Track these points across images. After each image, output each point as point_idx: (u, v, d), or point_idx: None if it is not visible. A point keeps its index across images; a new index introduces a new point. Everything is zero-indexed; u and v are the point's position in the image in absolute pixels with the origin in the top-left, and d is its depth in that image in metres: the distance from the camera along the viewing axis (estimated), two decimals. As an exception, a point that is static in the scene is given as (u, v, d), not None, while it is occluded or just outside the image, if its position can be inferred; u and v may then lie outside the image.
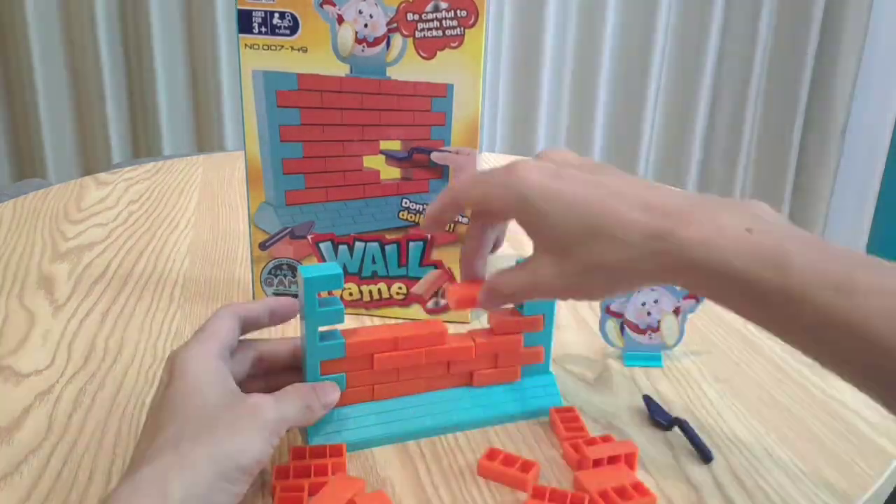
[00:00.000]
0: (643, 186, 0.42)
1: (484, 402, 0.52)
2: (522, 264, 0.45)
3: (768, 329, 0.38)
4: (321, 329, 0.47)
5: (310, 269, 0.47)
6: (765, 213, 0.40)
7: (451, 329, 0.52)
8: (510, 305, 0.52)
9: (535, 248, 0.44)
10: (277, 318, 0.50)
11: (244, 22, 0.57)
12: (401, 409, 0.51)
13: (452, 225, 0.63)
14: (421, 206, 0.62)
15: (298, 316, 0.49)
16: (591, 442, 0.48)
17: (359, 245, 0.63)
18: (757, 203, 0.41)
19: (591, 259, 0.41)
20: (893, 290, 0.34)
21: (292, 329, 0.56)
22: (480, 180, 0.45)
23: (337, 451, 0.47)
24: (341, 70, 0.58)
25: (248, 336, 0.49)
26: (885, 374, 0.34)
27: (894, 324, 0.33)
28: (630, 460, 0.47)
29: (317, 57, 0.58)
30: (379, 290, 0.64)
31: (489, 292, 0.46)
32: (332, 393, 0.48)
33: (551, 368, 0.55)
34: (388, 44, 0.58)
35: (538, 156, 0.46)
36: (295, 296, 0.65)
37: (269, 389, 0.47)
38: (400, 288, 0.64)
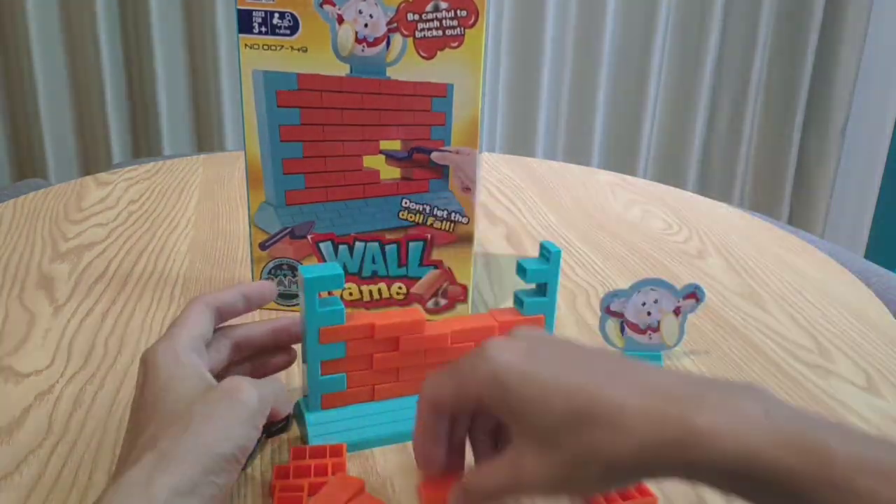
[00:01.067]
0: (631, 366, 0.37)
1: None
2: (501, 457, 0.38)
3: None
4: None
5: (310, 269, 0.47)
6: (771, 396, 0.35)
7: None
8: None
9: (517, 439, 0.38)
10: (253, 303, 0.49)
11: (244, 22, 0.57)
12: (401, 410, 0.51)
13: (452, 225, 0.63)
14: (421, 206, 0.62)
15: (299, 315, 0.49)
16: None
17: (359, 245, 0.63)
18: (759, 386, 0.36)
19: (583, 449, 0.35)
20: None
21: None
22: (448, 373, 0.40)
23: (337, 452, 0.47)
24: (341, 70, 0.58)
25: (226, 324, 0.49)
26: None
27: None
28: None
29: (317, 57, 0.58)
30: (379, 290, 0.64)
31: (465, 496, 0.39)
32: None
33: None
34: (388, 44, 0.58)
35: (510, 334, 0.41)
36: (295, 295, 0.65)
37: (256, 374, 0.46)
38: (400, 288, 0.64)
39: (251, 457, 0.47)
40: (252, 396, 0.41)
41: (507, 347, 0.39)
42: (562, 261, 0.53)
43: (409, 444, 0.50)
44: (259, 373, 0.50)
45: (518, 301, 0.52)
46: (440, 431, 0.41)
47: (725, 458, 0.32)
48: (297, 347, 0.50)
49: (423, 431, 0.41)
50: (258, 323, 0.50)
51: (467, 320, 0.52)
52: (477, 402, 0.39)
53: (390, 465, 0.48)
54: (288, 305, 0.66)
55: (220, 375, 0.45)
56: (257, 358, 0.50)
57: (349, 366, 0.49)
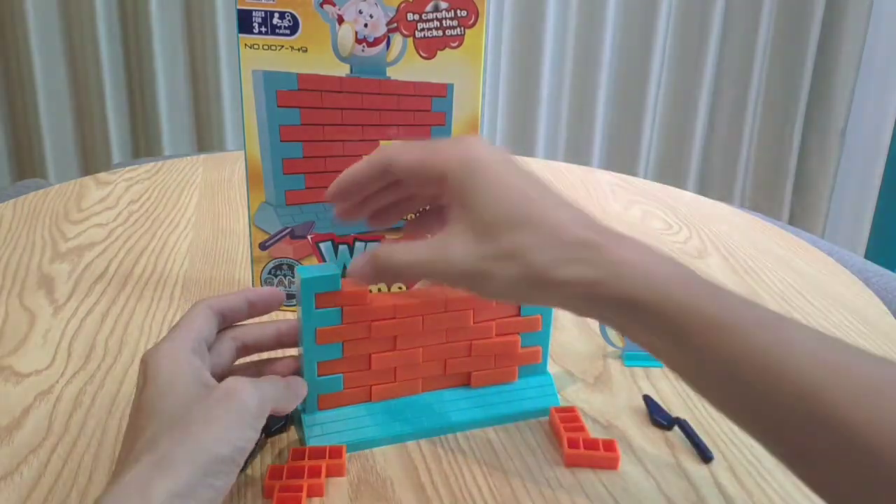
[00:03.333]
0: (577, 206, 0.41)
1: (482, 403, 0.52)
2: (428, 239, 0.42)
3: (679, 365, 0.38)
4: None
5: (308, 269, 0.47)
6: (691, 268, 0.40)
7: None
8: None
9: (454, 224, 0.41)
10: (258, 309, 0.49)
11: (244, 22, 0.57)
12: (399, 410, 0.51)
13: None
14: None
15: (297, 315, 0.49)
16: (592, 445, 0.48)
17: (359, 245, 0.63)
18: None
19: (513, 246, 0.39)
20: (821, 341, 0.34)
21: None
22: (420, 144, 0.43)
23: (337, 453, 0.47)
24: (341, 70, 0.58)
25: (231, 325, 0.49)
26: (798, 414, 0.33)
27: (823, 371, 0.33)
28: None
29: (317, 57, 0.58)
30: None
31: (374, 262, 0.43)
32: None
33: (549, 369, 0.55)
34: (388, 44, 0.58)
35: (482, 138, 0.44)
36: (293, 296, 0.65)
37: (260, 376, 0.46)
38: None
39: (250, 458, 0.47)
40: (251, 397, 0.41)
41: (487, 145, 0.42)
42: None
43: (409, 444, 0.50)
44: (264, 375, 0.50)
45: None
46: (372, 183, 0.44)
47: (622, 287, 0.37)
48: None
49: (359, 171, 0.44)
50: (264, 324, 0.50)
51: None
52: (437, 175, 0.42)
53: (390, 465, 0.48)
54: (288, 305, 0.66)
55: (223, 378, 0.45)
56: (263, 361, 0.50)
57: (346, 366, 0.49)
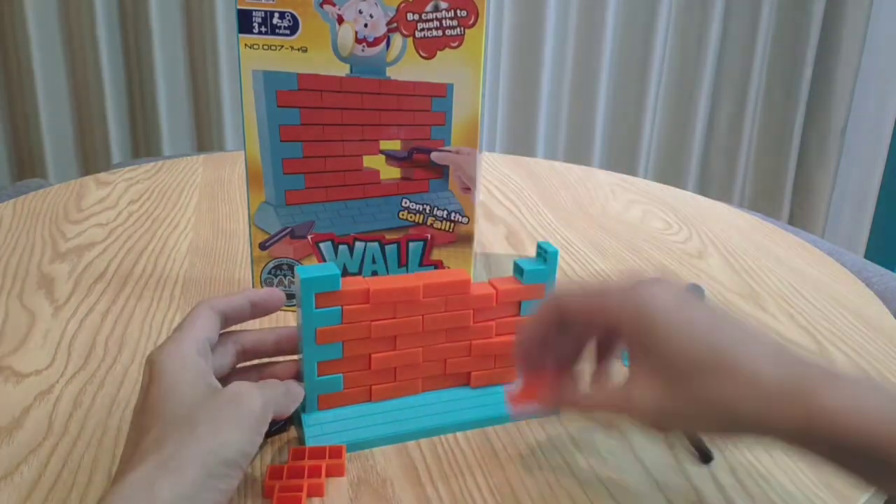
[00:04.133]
0: (765, 334, 0.39)
1: (482, 403, 0.52)
2: (619, 385, 0.41)
3: (888, 491, 0.37)
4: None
5: (307, 269, 0.47)
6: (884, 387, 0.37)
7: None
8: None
9: (639, 369, 0.40)
10: (259, 310, 0.49)
11: (244, 22, 0.57)
12: (399, 410, 0.51)
13: (452, 225, 0.63)
14: (421, 206, 0.62)
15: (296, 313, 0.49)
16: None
17: (359, 245, 0.63)
18: (876, 380, 0.39)
19: (709, 393, 0.37)
20: None
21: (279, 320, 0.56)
22: (595, 291, 0.42)
23: (336, 453, 0.47)
24: (341, 70, 0.58)
25: (232, 328, 0.49)
26: None
27: None
28: None
29: (317, 57, 0.58)
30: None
31: (575, 405, 0.43)
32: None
33: None
34: (388, 44, 0.58)
35: (654, 280, 0.41)
36: (293, 296, 0.65)
37: (261, 380, 0.47)
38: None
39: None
40: (256, 402, 0.41)
41: (660, 289, 0.40)
42: (562, 260, 0.53)
43: (409, 444, 0.50)
44: (264, 379, 0.51)
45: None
46: (550, 334, 0.43)
47: (847, 435, 0.34)
48: None
49: (535, 326, 0.43)
50: (265, 330, 0.50)
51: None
52: (612, 326, 0.41)
53: (390, 465, 0.48)
54: (288, 305, 0.66)
55: (224, 380, 0.45)
56: (264, 366, 0.50)
57: (346, 366, 0.49)
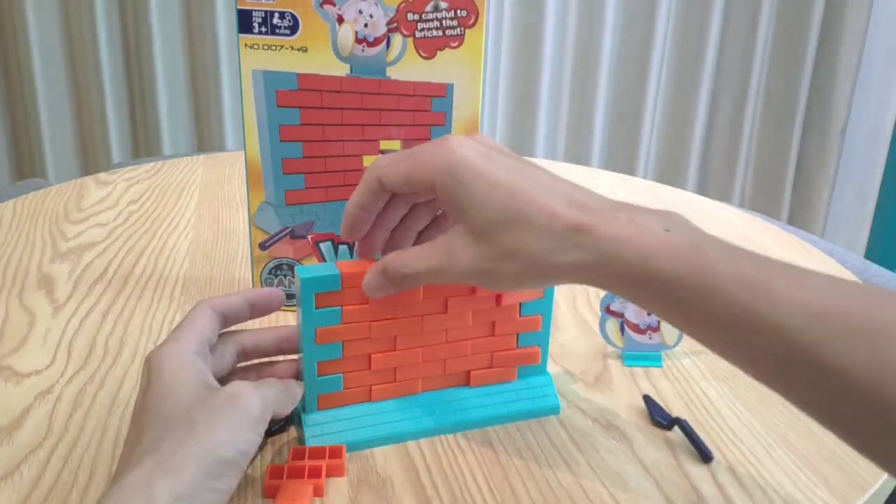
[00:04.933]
0: (569, 184, 0.42)
1: (482, 403, 0.52)
2: (432, 243, 0.43)
3: (684, 328, 0.39)
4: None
5: (307, 269, 0.47)
6: (682, 219, 0.41)
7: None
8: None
9: (453, 227, 0.43)
10: (258, 310, 0.49)
11: (244, 22, 0.57)
12: (399, 410, 0.51)
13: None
14: (421, 206, 0.62)
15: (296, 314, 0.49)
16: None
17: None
18: (675, 212, 0.41)
19: (511, 244, 0.40)
20: (805, 286, 0.35)
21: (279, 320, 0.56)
22: (405, 155, 0.43)
23: (337, 453, 0.47)
24: (341, 70, 0.58)
25: (232, 328, 0.49)
26: (795, 366, 0.34)
27: (807, 318, 0.34)
28: None
29: (317, 57, 0.58)
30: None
31: (385, 274, 0.44)
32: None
33: (549, 369, 0.55)
34: (388, 44, 0.58)
35: (464, 136, 0.44)
36: (293, 296, 0.65)
37: (260, 380, 0.47)
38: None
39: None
40: (255, 401, 0.41)
41: (468, 145, 0.42)
42: None
43: (409, 444, 0.50)
44: (263, 379, 0.51)
45: None
46: (376, 205, 0.45)
47: (616, 262, 0.38)
48: None
49: (359, 199, 0.45)
50: (264, 330, 0.50)
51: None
52: (427, 187, 0.42)
53: (390, 465, 0.48)
54: (288, 305, 0.66)
55: (223, 380, 0.45)
56: (263, 366, 0.50)
57: (346, 366, 0.49)
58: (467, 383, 0.53)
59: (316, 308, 0.47)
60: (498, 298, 0.51)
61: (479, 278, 0.42)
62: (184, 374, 0.42)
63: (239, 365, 0.50)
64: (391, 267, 0.44)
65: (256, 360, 0.51)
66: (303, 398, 0.49)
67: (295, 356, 0.51)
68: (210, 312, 0.47)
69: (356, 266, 0.47)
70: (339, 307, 0.47)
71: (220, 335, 0.48)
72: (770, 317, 0.34)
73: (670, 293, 0.37)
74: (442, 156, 0.42)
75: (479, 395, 0.53)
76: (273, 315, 0.65)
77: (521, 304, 0.52)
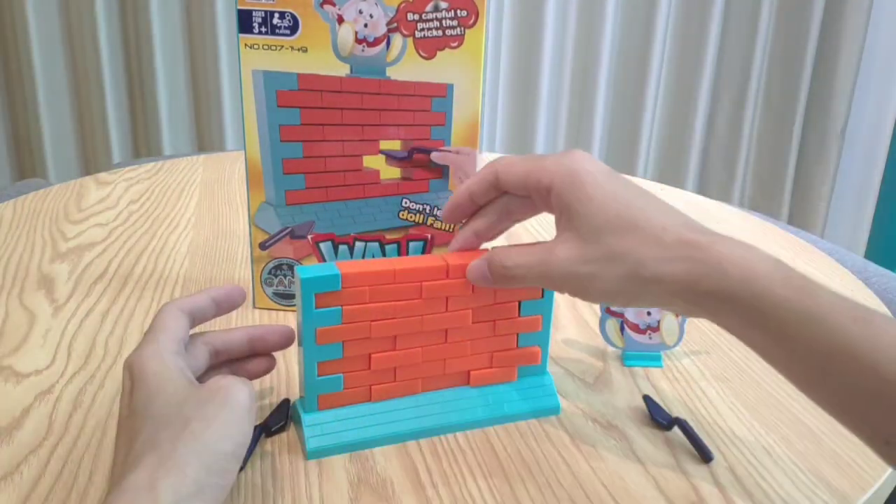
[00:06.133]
0: (677, 210, 0.44)
1: (482, 403, 0.52)
2: (538, 243, 0.45)
3: (774, 354, 0.40)
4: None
5: (307, 269, 0.47)
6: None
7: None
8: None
9: (560, 232, 0.44)
10: (224, 307, 0.50)
11: (244, 22, 0.57)
12: (399, 410, 0.51)
13: (452, 225, 0.62)
14: (421, 206, 0.62)
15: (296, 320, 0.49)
16: None
17: (359, 245, 0.63)
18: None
19: (619, 247, 0.41)
20: None
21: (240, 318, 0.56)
22: (528, 158, 0.45)
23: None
24: (341, 70, 0.58)
25: (199, 329, 0.49)
26: (884, 403, 0.35)
27: None
28: None
29: (317, 57, 0.58)
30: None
31: (493, 267, 0.46)
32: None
33: (549, 369, 0.55)
34: (388, 44, 0.58)
35: (587, 154, 0.47)
36: (293, 296, 0.65)
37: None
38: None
39: (248, 457, 0.47)
40: (244, 393, 0.41)
41: (592, 159, 0.45)
42: None
43: (409, 443, 0.50)
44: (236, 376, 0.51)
45: None
46: (484, 197, 0.47)
47: (728, 281, 0.39)
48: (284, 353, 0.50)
49: (471, 188, 0.47)
50: (235, 330, 0.50)
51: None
52: (542, 189, 0.44)
53: (390, 465, 0.48)
54: (288, 305, 0.66)
55: (200, 380, 0.45)
56: (235, 364, 0.51)
57: (346, 366, 0.49)
58: (467, 383, 0.53)
59: (316, 308, 0.47)
60: (496, 295, 0.51)
61: (574, 282, 0.43)
62: (168, 373, 0.42)
63: (211, 364, 0.50)
64: (494, 259, 0.46)
65: (227, 359, 0.51)
66: (303, 398, 0.49)
67: (265, 355, 0.51)
68: (178, 313, 0.47)
69: (356, 266, 0.47)
70: (339, 307, 0.47)
71: (191, 336, 0.48)
72: (870, 351, 0.35)
73: (773, 318, 0.38)
74: (564, 163, 0.44)
75: (479, 395, 0.53)
76: (275, 314, 0.65)
77: (520, 303, 0.52)
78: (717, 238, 0.41)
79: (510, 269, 0.45)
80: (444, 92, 0.59)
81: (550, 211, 0.45)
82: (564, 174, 0.43)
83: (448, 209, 0.49)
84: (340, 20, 0.57)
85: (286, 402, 0.52)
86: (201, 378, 0.48)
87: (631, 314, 0.59)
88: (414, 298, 0.49)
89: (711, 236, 0.41)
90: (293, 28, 0.58)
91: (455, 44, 0.58)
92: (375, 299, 0.48)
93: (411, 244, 0.63)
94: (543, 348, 0.53)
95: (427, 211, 0.62)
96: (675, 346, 0.60)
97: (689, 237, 0.40)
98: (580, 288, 0.43)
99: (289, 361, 0.58)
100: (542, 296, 0.52)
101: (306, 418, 0.49)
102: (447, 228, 0.63)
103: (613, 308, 0.59)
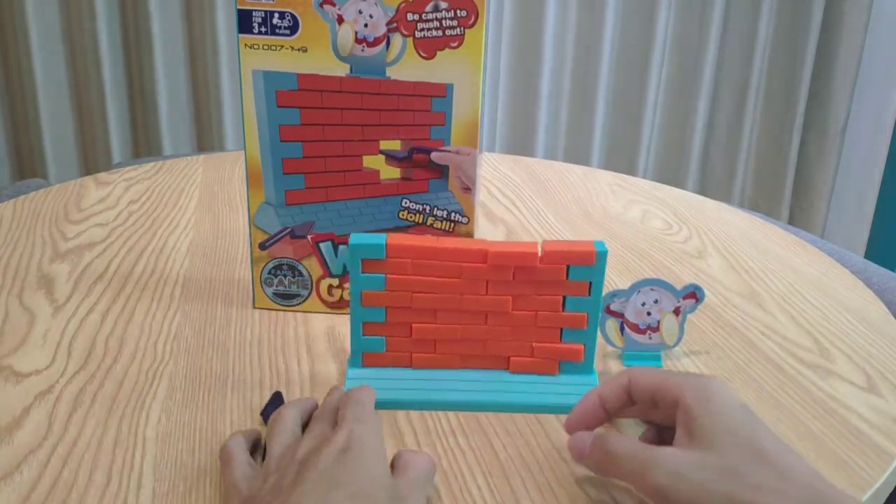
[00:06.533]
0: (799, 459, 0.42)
1: (516, 389, 0.54)
2: (648, 442, 0.46)
3: None
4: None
5: (360, 236, 0.51)
6: None
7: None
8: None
9: (678, 436, 0.43)
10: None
11: (244, 22, 0.57)
12: (437, 381, 0.54)
13: (452, 225, 0.62)
14: (421, 206, 0.62)
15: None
16: None
17: (359, 245, 0.63)
18: None
19: (737, 466, 0.39)
20: None
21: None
22: (659, 370, 0.47)
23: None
24: (341, 70, 0.58)
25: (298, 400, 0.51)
26: None
27: None
28: None
29: (317, 57, 0.58)
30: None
31: (594, 443, 0.45)
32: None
33: (595, 367, 0.56)
34: (388, 44, 0.58)
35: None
36: (294, 295, 0.65)
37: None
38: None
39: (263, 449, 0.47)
40: (426, 463, 0.45)
41: (728, 385, 0.45)
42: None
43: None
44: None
45: None
46: (613, 404, 0.47)
47: None
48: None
49: (605, 392, 0.47)
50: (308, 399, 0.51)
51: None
52: (670, 399, 0.44)
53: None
54: (288, 305, 0.66)
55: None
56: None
57: (389, 331, 0.53)
58: (507, 368, 0.55)
59: (362, 272, 0.51)
60: (538, 287, 0.52)
61: (674, 485, 0.40)
62: (380, 447, 0.44)
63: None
64: (601, 438, 0.45)
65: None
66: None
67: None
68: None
69: (403, 239, 0.51)
70: (384, 275, 0.51)
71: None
72: None
73: None
74: (699, 379, 0.44)
75: (516, 381, 0.54)
76: (275, 314, 0.65)
77: (564, 298, 0.53)
78: (844, 498, 0.38)
79: (610, 454, 0.43)
80: (443, 92, 0.59)
81: (672, 424, 0.44)
82: (696, 386, 0.43)
83: (576, 414, 0.48)
84: (340, 20, 0.57)
85: (278, 394, 0.53)
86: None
87: (631, 314, 0.59)
88: (454, 277, 0.52)
89: (837, 493, 0.39)
90: (293, 28, 0.58)
91: (455, 44, 0.58)
92: (418, 272, 0.52)
93: (411, 244, 0.63)
94: (589, 347, 0.54)
95: (427, 211, 0.62)
96: (675, 346, 0.60)
97: (818, 487, 0.39)
98: (673, 491, 0.40)
99: (288, 359, 0.58)
100: (590, 294, 0.52)
101: (350, 372, 0.53)
102: (448, 230, 0.63)
103: (613, 308, 0.59)
